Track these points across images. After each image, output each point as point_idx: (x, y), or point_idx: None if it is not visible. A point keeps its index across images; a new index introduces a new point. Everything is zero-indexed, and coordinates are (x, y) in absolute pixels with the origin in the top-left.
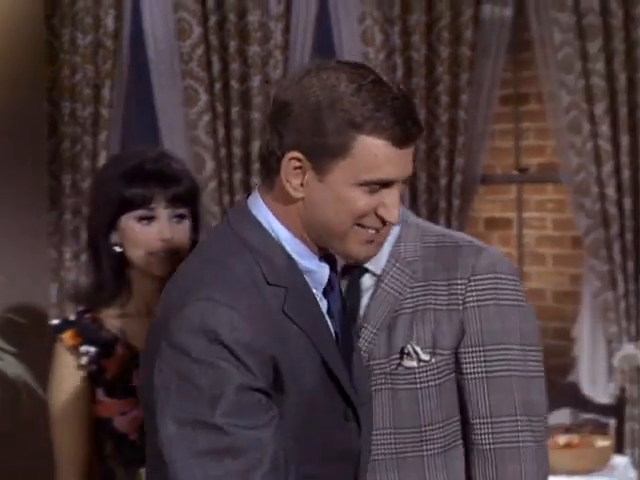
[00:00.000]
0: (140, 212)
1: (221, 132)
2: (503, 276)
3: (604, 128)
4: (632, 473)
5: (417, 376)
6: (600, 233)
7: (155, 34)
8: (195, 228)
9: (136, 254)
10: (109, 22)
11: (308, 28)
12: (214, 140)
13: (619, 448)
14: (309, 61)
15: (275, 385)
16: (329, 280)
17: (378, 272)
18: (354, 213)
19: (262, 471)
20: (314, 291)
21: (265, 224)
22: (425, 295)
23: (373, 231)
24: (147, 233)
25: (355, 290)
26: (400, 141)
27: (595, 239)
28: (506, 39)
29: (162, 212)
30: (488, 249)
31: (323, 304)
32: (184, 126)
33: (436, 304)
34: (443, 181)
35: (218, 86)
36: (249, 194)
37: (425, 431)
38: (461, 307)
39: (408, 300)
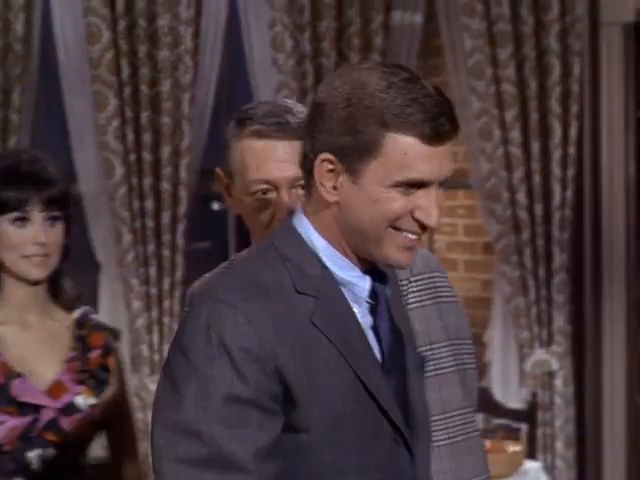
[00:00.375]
0: (14, 214)
1: (130, 137)
2: (438, 274)
3: (515, 134)
4: (544, 478)
5: None
6: (511, 239)
7: (65, 38)
8: (67, 231)
9: (9, 258)
10: (18, 26)
11: (218, 33)
12: (123, 145)
13: (531, 453)
14: (219, 66)
15: (285, 398)
16: (374, 295)
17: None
18: (388, 215)
19: None
20: (353, 305)
21: (303, 234)
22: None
23: (413, 236)
24: (21, 236)
25: None
26: (430, 138)
27: (506, 245)
28: (416, 45)
29: (37, 215)
30: (420, 249)
31: (367, 320)
32: (94, 131)
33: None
34: None
35: (128, 91)
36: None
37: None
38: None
39: None
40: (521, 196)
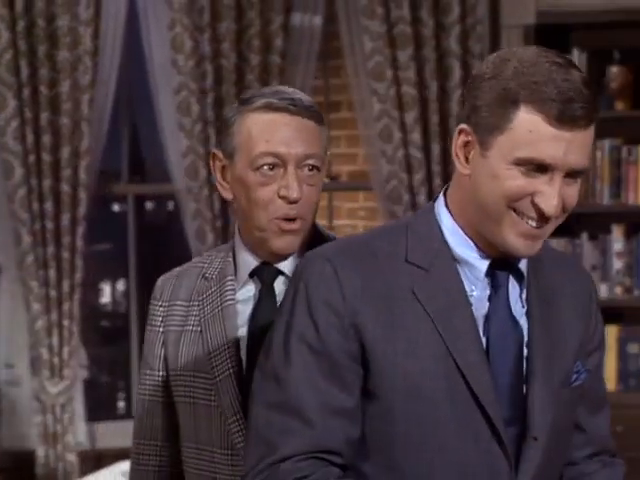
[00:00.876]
0: None
1: (30, 138)
2: None
3: (415, 136)
4: None
5: None
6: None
7: None
8: None
9: None
10: None
11: (117, 34)
12: (23, 146)
13: None
14: (118, 68)
15: (362, 359)
16: (494, 284)
17: None
18: (506, 193)
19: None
20: (469, 286)
21: (436, 210)
22: None
23: (533, 223)
24: None
25: (271, 294)
26: (557, 120)
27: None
28: (316, 47)
29: None
30: None
31: (481, 305)
32: None
33: None
34: None
35: (27, 91)
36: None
37: None
38: None
39: None
40: (421, 198)
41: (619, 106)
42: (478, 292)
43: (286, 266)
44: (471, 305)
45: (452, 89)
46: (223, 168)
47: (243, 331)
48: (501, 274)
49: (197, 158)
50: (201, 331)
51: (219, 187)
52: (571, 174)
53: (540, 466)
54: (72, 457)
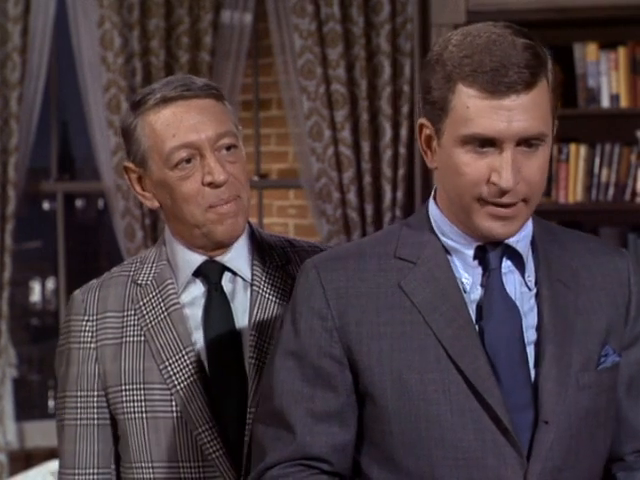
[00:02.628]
0: None
1: None
2: None
3: (345, 134)
4: None
5: None
6: (342, 239)
7: None
8: None
9: None
10: None
11: (47, 31)
12: None
13: None
14: (47, 64)
15: (349, 360)
16: (486, 268)
17: (247, 277)
18: (464, 182)
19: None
20: (463, 274)
21: (428, 204)
22: None
23: (501, 208)
24: None
25: (220, 293)
26: (490, 89)
27: (337, 245)
28: (246, 45)
29: None
30: None
31: (476, 291)
32: None
33: None
34: None
35: None
36: None
37: None
38: None
39: None
40: (352, 196)
41: None
42: (471, 278)
43: (231, 261)
44: (464, 292)
45: (382, 87)
46: (139, 179)
47: (198, 335)
48: (493, 258)
49: (126, 156)
50: (146, 341)
51: (141, 199)
52: (526, 143)
53: (555, 451)
54: (1, 457)
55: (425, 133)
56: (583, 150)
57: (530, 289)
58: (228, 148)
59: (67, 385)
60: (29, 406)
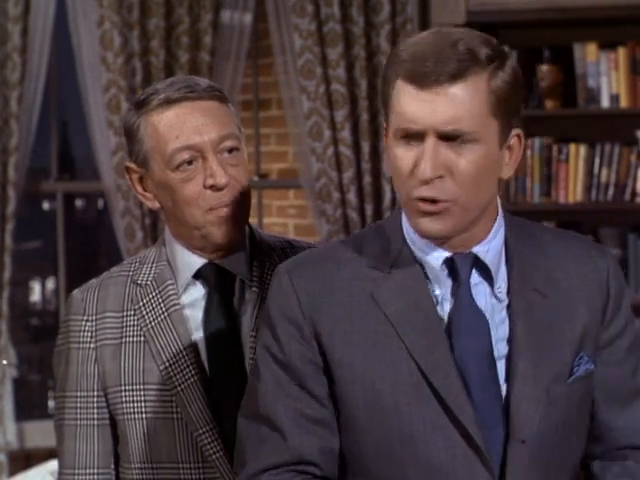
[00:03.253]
0: None
1: None
2: None
3: (345, 134)
4: None
5: None
6: (342, 239)
7: None
8: None
9: None
10: None
11: (47, 31)
12: None
13: None
14: (47, 64)
15: (326, 368)
16: (455, 280)
17: (247, 279)
18: (397, 174)
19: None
20: (434, 286)
21: (399, 211)
22: None
23: (425, 203)
24: None
25: (220, 295)
26: (412, 79)
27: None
28: (246, 45)
29: None
30: None
31: (447, 303)
32: None
33: None
34: None
35: None
36: None
37: None
38: None
39: None
40: (351, 196)
41: (549, 105)
42: (442, 290)
43: (231, 263)
44: (436, 304)
45: None
46: (141, 179)
47: (199, 336)
48: (462, 269)
49: (126, 156)
50: (145, 341)
51: (142, 199)
52: (451, 137)
53: (532, 468)
54: (1, 457)
55: (386, 137)
56: (583, 150)
57: (500, 300)
58: (230, 151)
59: (66, 385)
60: (29, 406)
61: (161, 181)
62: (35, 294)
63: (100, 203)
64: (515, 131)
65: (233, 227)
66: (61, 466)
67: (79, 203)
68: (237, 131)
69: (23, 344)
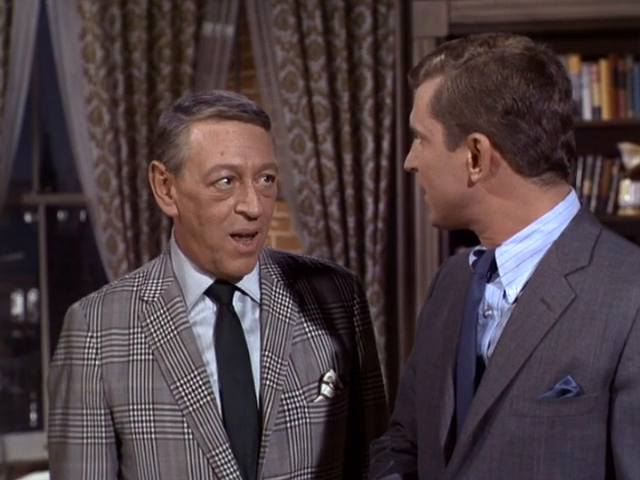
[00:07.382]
0: None
1: None
2: (366, 300)
3: (327, 146)
4: None
5: (335, 406)
6: (324, 251)
7: None
8: None
9: None
10: None
11: (29, 43)
12: None
13: None
14: (29, 76)
15: None
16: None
17: (256, 298)
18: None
19: None
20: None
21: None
22: (315, 319)
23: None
24: None
25: (231, 313)
26: None
27: (319, 257)
28: (228, 57)
29: None
30: (352, 273)
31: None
32: None
33: (330, 328)
34: None
35: None
36: None
37: (334, 468)
38: (350, 331)
39: (299, 326)
40: (334, 208)
41: None
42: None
43: (241, 281)
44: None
45: (364, 99)
46: (165, 181)
47: (210, 355)
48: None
49: (108, 168)
50: (154, 359)
51: (160, 202)
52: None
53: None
54: None
55: None
56: None
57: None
58: (267, 179)
59: (70, 402)
60: (10, 419)
61: (191, 192)
62: (17, 306)
63: (82, 215)
64: (472, 135)
65: (246, 263)
66: None
67: (61, 215)
68: (276, 162)
69: (5, 357)
